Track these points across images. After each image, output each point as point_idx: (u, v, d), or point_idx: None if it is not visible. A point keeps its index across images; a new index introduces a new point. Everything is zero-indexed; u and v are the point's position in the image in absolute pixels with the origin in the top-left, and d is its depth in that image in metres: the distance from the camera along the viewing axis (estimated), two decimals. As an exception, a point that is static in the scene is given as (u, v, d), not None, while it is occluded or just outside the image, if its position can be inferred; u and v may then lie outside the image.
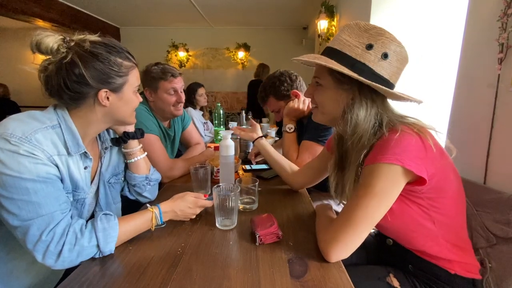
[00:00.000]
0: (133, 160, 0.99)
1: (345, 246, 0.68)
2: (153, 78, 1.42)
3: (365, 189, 0.67)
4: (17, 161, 0.62)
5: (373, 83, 0.69)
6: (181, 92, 1.46)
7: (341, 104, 0.77)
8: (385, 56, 0.70)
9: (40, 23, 4.01)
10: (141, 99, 0.87)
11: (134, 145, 0.99)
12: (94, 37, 0.75)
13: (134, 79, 0.82)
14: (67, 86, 0.71)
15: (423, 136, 0.67)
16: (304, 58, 0.76)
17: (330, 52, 0.75)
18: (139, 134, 0.98)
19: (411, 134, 0.67)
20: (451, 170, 0.75)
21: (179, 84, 1.45)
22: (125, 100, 0.81)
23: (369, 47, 0.70)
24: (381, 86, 0.69)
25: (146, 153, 1.03)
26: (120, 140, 0.94)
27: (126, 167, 1.02)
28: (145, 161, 1.03)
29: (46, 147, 0.67)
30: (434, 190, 0.70)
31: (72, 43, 0.72)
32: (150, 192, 1.05)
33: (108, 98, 0.77)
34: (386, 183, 0.65)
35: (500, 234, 0.85)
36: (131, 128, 0.96)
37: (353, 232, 0.67)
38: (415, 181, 0.68)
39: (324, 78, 0.78)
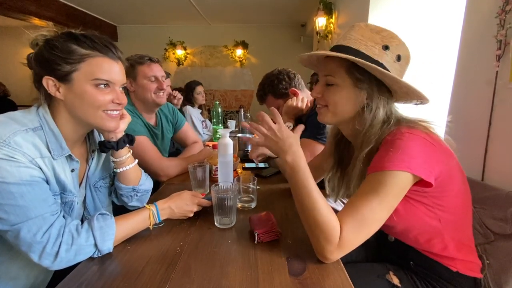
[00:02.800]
0: (118, 171, 0.89)
1: None
2: (131, 65, 1.41)
3: (371, 194, 0.64)
4: None
5: (399, 78, 0.67)
6: (162, 80, 1.44)
7: (356, 104, 0.74)
8: (398, 58, 0.71)
9: (36, 21, 3.97)
10: (110, 97, 0.75)
11: (122, 154, 0.87)
12: (72, 30, 0.73)
13: (90, 68, 0.71)
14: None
15: (429, 137, 0.66)
16: (320, 52, 0.71)
17: (344, 50, 0.71)
18: (121, 144, 0.86)
19: (417, 137, 0.66)
20: (458, 170, 0.74)
21: (159, 71, 1.43)
22: (78, 93, 0.71)
23: (386, 48, 0.69)
24: (405, 81, 0.68)
25: (136, 161, 0.93)
26: (102, 148, 0.86)
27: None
28: (134, 171, 0.92)
29: (26, 150, 0.64)
30: (437, 190, 0.69)
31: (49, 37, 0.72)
32: (138, 201, 0.95)
33: (59, 90, 0.72)
34: (393, 190, 0.64)
35: (498, 230, 0.86)
36: (119, 135, 0.85)
37: None
38: (420, 183, 0.66)
39: (340, 76, 0.73)
